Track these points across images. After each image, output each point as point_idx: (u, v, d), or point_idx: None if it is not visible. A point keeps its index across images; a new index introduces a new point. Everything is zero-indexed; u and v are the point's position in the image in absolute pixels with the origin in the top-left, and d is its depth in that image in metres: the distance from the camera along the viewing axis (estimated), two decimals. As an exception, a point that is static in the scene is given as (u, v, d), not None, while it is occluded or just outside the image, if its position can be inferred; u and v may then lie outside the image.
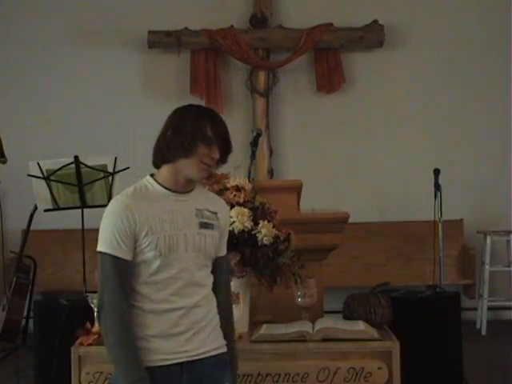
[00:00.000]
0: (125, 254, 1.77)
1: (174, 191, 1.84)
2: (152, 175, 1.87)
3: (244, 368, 2.30)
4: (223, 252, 1.95)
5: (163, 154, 1.83)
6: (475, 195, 5.26)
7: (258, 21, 5.21)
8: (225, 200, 2.47)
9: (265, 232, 2.42)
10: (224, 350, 1.90)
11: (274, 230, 2.44)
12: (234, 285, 2.47)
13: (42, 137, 5.17)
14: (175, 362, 1.80)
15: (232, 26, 5.21)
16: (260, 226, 2.43)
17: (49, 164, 3.75)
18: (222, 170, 2.65)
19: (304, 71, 5.31)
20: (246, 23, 5.25)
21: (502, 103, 5.24)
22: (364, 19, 5.18)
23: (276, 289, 2.47)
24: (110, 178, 3.75)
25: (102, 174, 3.76)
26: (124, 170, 3.79)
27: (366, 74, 5.29)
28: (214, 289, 1.93)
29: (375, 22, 5.19)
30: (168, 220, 1.80)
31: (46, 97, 5.27)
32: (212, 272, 1.91)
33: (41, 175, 3.72)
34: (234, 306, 2.44)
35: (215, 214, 1.89)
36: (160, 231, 1.78)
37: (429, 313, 3.18)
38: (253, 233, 2.42)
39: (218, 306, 1.93)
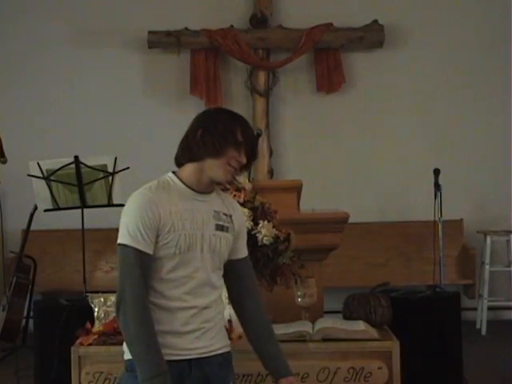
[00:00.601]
0: (148, 248, 1.76)
1: (196, 191, 1.84)
2: (174, 172, 1.87)
3: (244, 368, 2.30)
4: (243, 254, 1.95)
5: (192, 151, 1.84)
6: (475, 195, 5.25)
7: (258, 21, 5.21)
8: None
9: (265, 232, 2.42)
10: (229, 349, 1.92)
11: (274, 230, 2.45)
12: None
13: (42, 137, 5.17)
14: (184, 358, 1.81)
15: (232, 25, 5.21)
16: (260, 226, 2.43)
17: (49, 164, 3.75)
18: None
19: (304, 71, 5.31)
20: (246, 23, 5.25)
21: (503, 103, 5.24)
22: (364, 19, 5.18)
23: (276, 289, 2.48)
24: (110, 177, 3.75)
25: (101, 174, 3.76)
26: (124, 170, 3.79)
27: (366, 74, 5.29)
28: (238, 294, 1.93)
29: (375, 21, 5.19)
30: (189, 219, 1.80)
31: (46, 97, 5.27)
32: (230, 276, 1.92)
33: (41, 175, 3.72)
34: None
35: (230, 216, 1.90)
36: (181, 229, 1.79)
37: (429, 313, 3.18)
38: (253, 233, 2.42)
39: (248, 312, 1.93)
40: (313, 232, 2.60)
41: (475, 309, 5.02)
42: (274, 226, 2.45)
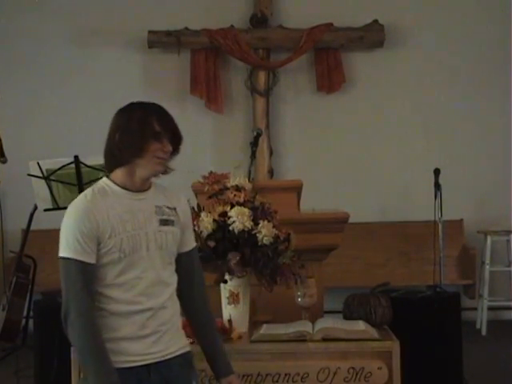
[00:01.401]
0: (89, 258, 1.76)
1: (132, 190, 1.83)
2: (108, 176, 1.86)
3: (244, 368, 2.30)
4: (189, 246, 1.92)
5: (115, 157, 1.82)
6: (475, 195, 5.26)
7: (258, 21, 5.21)
8: (224, 200, 2.49)
9: (265, 232, 2.42)
10: (188, 349, 1.90)
11: (274, 229, 2.45)
12: (234, 285, 2.48)
13: (42, 137, 5.17)
14: (142, 363, 1.79)
15: (232, 25, 5.21)
16: (260, 225, 2.43)
17: (49, 164, 3.74)
18: (222, 170, 2.67)
19: (304, 71, 5.31)
20: (246, 23, 5.25)
21: (503, 103, 5.24)
22: (364, 19, 5.18)
23: (276, 289, 2.47)
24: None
25: (101, 174, 3.75)
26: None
27: (367, 73, 5.29)
28: (185, 288, 1.90)
29: (375, 21, 5.19)
30: (130, 220, 1.79)
31: (47, 97, 5.27)
32: (178, 270, 1.89)
33: (41, 175, 3.72)
34: (233, 306, 2.45)
35: (174, 209, 1.87)
36: (122, 232, 1.77)
37: (429, 313, 3.18)
38: (253, 233, 2.42)
39: (196, 308, 1.90)
40: (313, 232, 2.60)
41: (475, 309, 5.02)
42: (274, 226, 2.45)
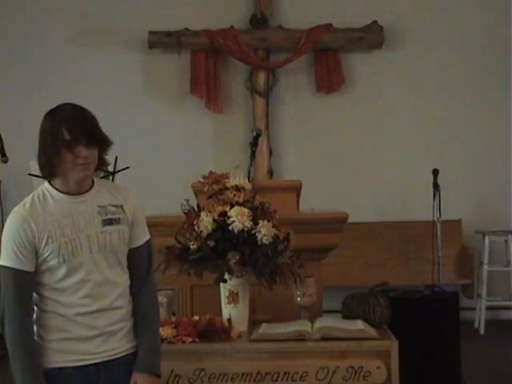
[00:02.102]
0: (25, 266, 1.78)
1: (72, 194, 1.83)
2: (49, 182, 1.86)
3: (243, 367, 2.30)
4: (138, 242, 1.90)
5: (44, 171, 1.83)
6: (474, 195, 5.25)
7: (258, 21, 5.21)
8: (224, 200, 2.49)
9: (264, 232, 2.42)
10: (135, 349, 1.88)
11: (274, 229, 2.45)
12: (234, 284, 2.48)
13: (42, 136, 5.17)
14: (91, 362, 1.80)
15: (232, 26, 5.21)
16: (259, 225, 2.43)
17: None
18: (223, 169, 2.67)
19: (304, 72, 5.31)
20: (246, 24, 5.25)
21: (502, 103, 5.24)
22: (363, 20, 5.18)
23: (275, 288, 2.47)
24: (111, 177, 3.76)
25: (102, 174, 3.75)
26: (124, 169, 3.79)
27: (366, 74, 5.29)
28: (134, 284, 1.89)
29: (375, 22, 5.19)
30: (69, 224, 1.79)
31: (47, 97, 5.24)
32: (128, 266, 1.88)
33: (41, 174, 3.72)
34: (233, 305, 2.45)
35: (120, 207, 1.86)
36: (60, 237, 1.78)
37: (427, 312, 3.18)
38: (252, 232, 2.42)
39: (137, 304, 1.88)
40: (312, 232, 2.60)
41: (473, 308, 5.02)
42: (273, 226, 2.45)
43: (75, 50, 5.25)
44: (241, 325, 2.48)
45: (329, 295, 2.90)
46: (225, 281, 2.47)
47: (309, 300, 2.54)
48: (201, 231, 2.43)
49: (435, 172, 4.47)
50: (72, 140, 1.77)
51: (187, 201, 2.52)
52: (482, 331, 4.88)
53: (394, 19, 5.25)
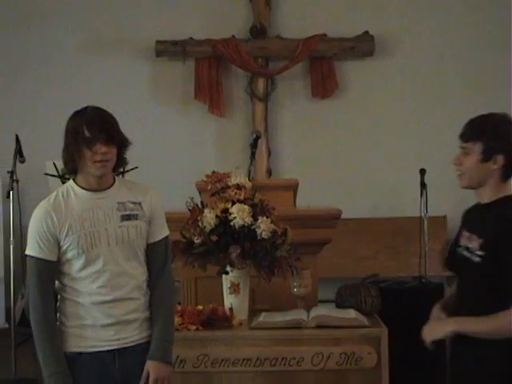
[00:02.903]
0: (47, 256, 1.79)
1: (93, 190, 1.83)
2: (73, 179, 1.88)
3: (244, 353, 2.30)
4: (155, 238, 1.89)
5: (67, 167, 1.86)
6: (457, 194, 5.20)
7: (258, 31, 5.21)
8: (226, 197, 2.49)
9: (263, 227, 2.42)
10: (150, 339, 1.88)
11: (272, 225, 2.45)
12: (235, 276, 2.47)
13: (57, 139, 5.13)
14: (107, 348, 1.80)
15: (233, 36, 5.20)
16: (259, 221, 2.43)
17: (64, 164, 3.74)
18: (224, 169, 2.67)
19: (300, 78, 5.31)
20: (247, 33, 5.24)
21: (487, 110, 5.23)
22: (355, 30, 5.17)
23: (274, 279, 2.48)
24: (120, 176, 3.74)
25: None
26: (133, 169, 3.76)
27: (358, 81, 5.29)
28: (150, 277, 1.88)
29: (366, 32, 5.19)
30: (88, 218, 1.80)
31: (61, 102, 5.24)
32: (147, 258, 1.88)
33: (56, 174, 3.72)
34: (234, 295, 2.45)
35: (139, 204, 1.86)
36: (80, 230, 1.79)
37: (415, 302, 3.19)
38: (252, 228, 2.42)
39: (153, 295, 1.87)
40: (308, 227, 2.60)
41: None
42: (272, 222, 2.45)
43: (87, 57, 5.24)
44: (242, 313, 2.48)
45: (323, 286, 2.90)
46: (227, 273, 2.47)
47: (305, 290, 2.54)
48: (204, 227, 2.43)
49: (422, 172, 4.46)
50: (91, 138, 1.79)
51: (192, 198, 2.52)
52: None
53: (384, 30, 5.24)
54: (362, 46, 5.19)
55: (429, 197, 4.36)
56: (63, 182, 3.72)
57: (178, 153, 5.19)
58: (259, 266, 2.44)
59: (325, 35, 5.18)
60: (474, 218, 1.85)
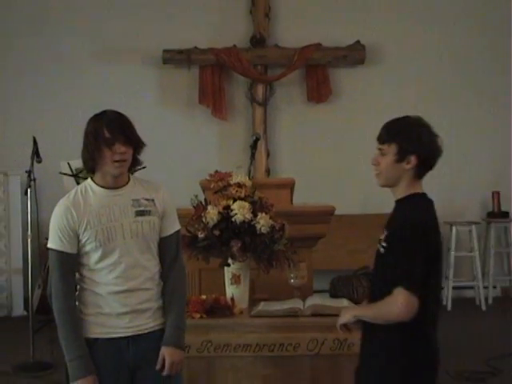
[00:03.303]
0: (68, 249, 1.79)
1: (110, 188, 1.83)
2: (91, 178, 1.87)
3: (244, 339, 2.30)
4: (167, 232, 1.88)
5: (86, 166, 1.84)
6: (443, 191, 5.24)
7: (257, 41, 5.20)
8: (228, 195, 2.48)
9: (262, 222, 2.41)
10: (164, 326, 1.87)
11: (271, 220, 2.44)
12: (236, 268, 2.47)
13: (71, 140, 5.14)
14: (122, 335, 1.80)
15: (235, 45, 5.19)
16: (258, 217, 2.42)
17: (77, 164, 3.72)
18: (226, 169, 2.66)
19: (297, 84, 5.30)
20: (247, 43, 5.23)
21: (471, 115, 5.26)
22: (348, 40, 5.17)
23: (272, 271, 2.47)
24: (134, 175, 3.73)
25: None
26: (141, 169, 3.74)
27: (350, 86, 5.28)
28: (163, 269, 1.87)
29: (358, 42, 5.18)
30: (105, 214, 1.79)
31: (76, 106, 5.25)
32: (160, 252, 1.87)
33: (70, 173, 3.71)
34: (235, 286, 2.45)
35: (152, 200, 1.86)
36: (97, 224, 1.78)
37: (403, 292, 3.17)
38: (252, 223, 2.41)
39: (166, 285, 1.86)
40: (304, 223, 2.59)
41: (442, 288, 5.01)
42: (270, 218, 2.44)
43: (99, 64, 5.23)
44: (242, 303, 2.47)
45: (318, 277, 2.89)
46: (228, 265, 2.46)
47: (301, 281, 2.54)
48: (208, 222, 2.42)
49: (409, 171, 4.44)
50: (111, 138, 1.78)
51: (196, 196, 2.52)
52: (449, 307, 4.88)
53: (375, 40, 5.23)
54: (354, 55, 5.18)
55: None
56: (76, 181, 3.72)
57: (184, 153, 5.18)
58: (259, 258, 2.43)
59: (319, 44, 5.17)
60: (391, 214, 1.87)
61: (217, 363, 2.30)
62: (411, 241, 1.69)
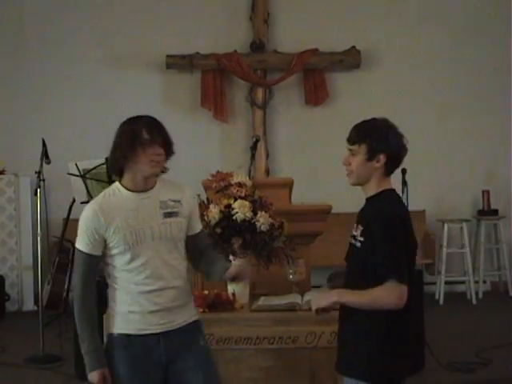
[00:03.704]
0: (93, 251, 1.79)
1: (138, 191, 1.81)
2: (119, 181, 1.85)
3: (245, 332, 2.30)
4: (196, 230, 1.91)
5: (115, 167, 1.82)
6: (435, 190, 5.25)
7: (257, 46, 5.19)
8: (229, 194, 2.48)
9: (262, 221, 2.41)
10: (197, 317, 1.89)
11: (270, 219, 2.44)
12: (237, 264, 2.46)
13: (79, 142, 5.16)
14: (153, 332, 1.79)
15: (235, 50, 5.18)
16: (258, 215, 2.42)
17: (84, 164, 3.74)
18: (227, 169, 2.66)
19: (295, 88, 5.29)
20: (247, 48, 5.23)
21: (463, 118, 5.26)
22: (344, 45, 5.16)
23: (271, 267, 2.47)
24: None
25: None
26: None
27: (346, 90, 5.28)
28: (197, 260, 1.90)
29: (353, 47, 5.18)
30: (133, 217, 1.78)
31: (83, 110, 5.25)
32: (190, 250, 1.88)
33: (78, 174, 3.71)
34: (236, 281, 2.45)
35: (179, 201, 1.85)
36: (126, 228, 1.77)
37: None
38: (252, 221, 2.41)
39: (204, 258, 1.91)
40: (302, 221, 2.60)
41: (434, 283, 5.02)
42: (270, 216, 2.44)
43: (106, 69, 5.23)
44: (243, 298, 2.47)
45: (316, 273, 2.89)
46: (230, 261, 2.46)
47: (299, 277, 2.54)
48: (210, 220, 2.42)
49: (403, 171, 4.43)
50: (151, 139, 1.77)
51: (198, 195, 2.51)
52: (441, 302, 4.88)
53: (370, 44, 5.23)
54: (350, 60, 5.18)
55: (409, 193, 4.35)
56: (84, 181, 3.72)
57: (186, 154, 5.17)
58: (258, 255, 2.43)
59: (317, 50, 5.17)
60: (361, 210, 1.91)
61: (219, 355, 2.29)
62: (392, 233, 1.73)
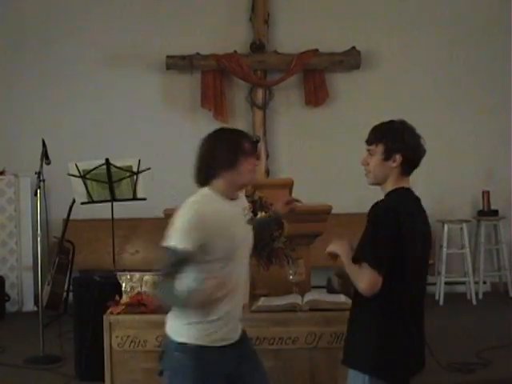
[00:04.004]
0: (194, 249, 1.74)
1: (230, 199, 1.83)
2: (208, 188, 1.83)
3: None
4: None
5: (205, 174, 1.81)
6: (436, 191, 5.25)
7: (257, 47, 5.20)
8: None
9: (262, 221, 2.41)
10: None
11: (270, 219, 2.43)
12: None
13: (79, 143, 5.16)
14: (227, 343, 1.81)
15: (235, 51, 5.19)
16: (258, 216, 2.42)
17: (85, 165, 3.74)
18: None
19: (295, 88, 5.30)
20: (247, 49, 5.23)
21: (462, 119, 5.26)
22: (344, 46, 5.17)
23: (272, 268, 2.47)
24: (135, 176, 3.75)
25: (128, 173, 3.74)
26: (146, 170, 3.78)
27: (346, 91, 5.28)
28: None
29: (353, 48, 5.18)
30: (229, 225, 1.78)
31: (83, 110, 5.26)
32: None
33: (78, 174, 3.71)
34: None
35: (247, 208, 1.92)
36: (226, 233, 1.76)
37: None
38: (253, 222, 2.41)
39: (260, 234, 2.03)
40: (302, 221, 2.59)
41: (435, 284, 5.02)
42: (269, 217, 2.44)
43: (106, 70, 5.23)
44: (243, 298, 2.46)
45: (316, 274, 2.90)
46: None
47: (299, 278, 2.54)
48: (210, 221, 2.42)
49: (403, 172, 4.45)
50: (252, 150, 1.82)
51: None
52: (441, 302, 4.88)
53: (370, 45, 5.23)
54: (350, 60, 5.18)
55: (409, 194, 4.35)
56: (84, 182, 3.72)
57: (186, 155, 5.14)
58: (259, 255, 2.43)
59: (317, 50, 5.17)
60: None
61: (219, 356, 2.30)
62: (377, 220, 1.82)
